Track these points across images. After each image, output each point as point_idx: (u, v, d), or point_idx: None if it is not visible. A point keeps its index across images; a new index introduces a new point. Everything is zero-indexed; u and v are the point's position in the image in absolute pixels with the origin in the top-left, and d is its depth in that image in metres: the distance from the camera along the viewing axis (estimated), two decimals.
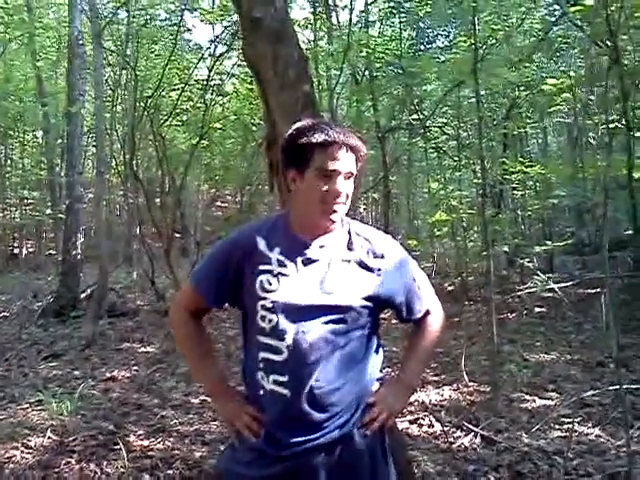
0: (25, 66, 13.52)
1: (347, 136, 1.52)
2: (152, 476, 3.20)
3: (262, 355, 1.52)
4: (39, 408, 4.26)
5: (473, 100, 9.76)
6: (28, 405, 4.36)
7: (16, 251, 16.63)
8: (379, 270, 1.56)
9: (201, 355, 1.69)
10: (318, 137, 1.49)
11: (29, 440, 3.66)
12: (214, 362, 1.73)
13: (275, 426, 1.51)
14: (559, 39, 9.61)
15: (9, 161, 16.47)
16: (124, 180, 8.42)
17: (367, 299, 1.53)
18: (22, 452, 3.51)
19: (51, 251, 15.87)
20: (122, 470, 3.26)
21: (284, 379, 1.49)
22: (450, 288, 9.61)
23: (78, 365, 5.68)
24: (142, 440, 3.72)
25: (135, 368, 5.58)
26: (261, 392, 1.53)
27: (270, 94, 2.54)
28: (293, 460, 1.49)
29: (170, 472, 3.25)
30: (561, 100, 7.40)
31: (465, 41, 7.69)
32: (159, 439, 3.73)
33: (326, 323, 1.49)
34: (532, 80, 9.02)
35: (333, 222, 1.55)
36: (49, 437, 3.71)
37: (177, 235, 9.58)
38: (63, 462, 3.36)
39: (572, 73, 8.37)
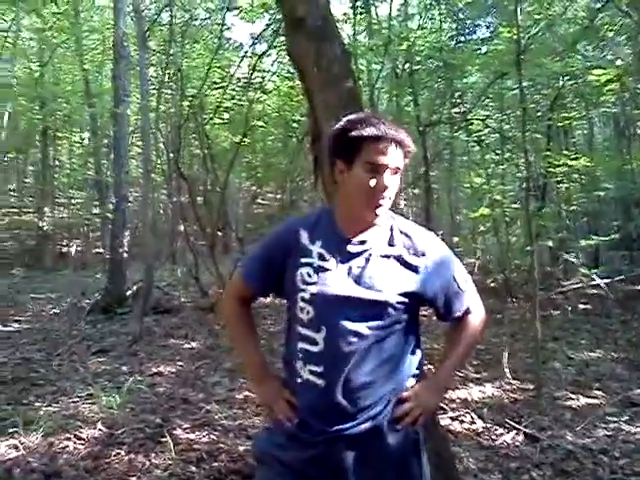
0: (72, 69, 13.91)
1: (397, 131, 1.53)
2: (198, 468, 3.29)
3: (300, 345, 1.58)
4: (89, 401, 4.41)
5: (516, 92, 9.59)
6: (79, 398, 4.51)
7: (64, 250, 17.14)
8: (418, 267, 1.57)
9: (247, 340, 1.77)
10: (369, 131, 1.51)
11: (81, 432, 3.79)
12: (258, 348, 1.79)
13: (309, 413, 1.56)
14: (605, 26, 9.33)
15: (57, 162, 16.97)
16: (168, 179, 8.61)
17: (404, 295, 1.54)
18: (74, 443, 3.65)
19: (98, 249, 16.31)
20: (169, 462, 3.36)
21: (320, 369, 1.54)
22: (493, 285, 9.48)
23: (126, 360, 5.83)
24: (188, 433, 3.81)
25: (180, 363, 5.71)
26: (298, 380, 1.58)
27: (314, 91, 2.56)
28: (324, 446, 1.53)
29: (215, 464, 3.33)
30: (608, 90, 7.20)
31: (508, 31, 7.55)
32: (204, 433, 3.82)
33: (362, 317, 1.52)
34: (577, 70, 8.80)
35: (377, 216, 1.56)
36: (99, 429, 3.84)
37: (219, 233, 9.72)
38: (113, 453, 3.47)
39: (619, 62, 8.14)
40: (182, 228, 9.75)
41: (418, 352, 1.67)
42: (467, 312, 1.67)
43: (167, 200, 11.07)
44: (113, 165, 9.02)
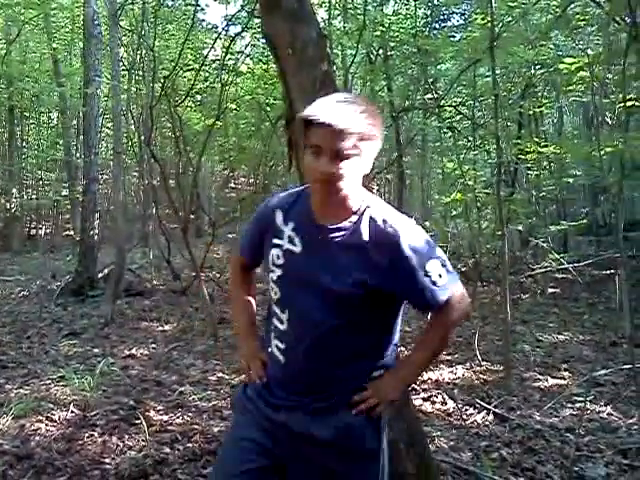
0: (40, 47, 13.56)
1: (340, 113, 1.43)
2: (172, 449, 3.29)
3: (272, 320, 1.63)
4: (61, 384, 4.37)
5: (488, 79, 9.67)
6: (50, 381, 4.46)
7: (33, 232, 16.83)
8: (382, 259, 1.49)
9: (239, 301, 1.87)
10: (310, 113, 1.45)
11: (53, 414, 3.77)
12: (250, 307, 1.87)
13: (272, 381, 1.63)
14: (577, 16, 9.44)
15: (25, 142, 16.59)
16: (140, 161, 8.49)
17: (363, 287, 1.49)
18: (46, 425, 3.62)
19: (67, 232, 16.05)
20: (143, 443, 3.36)
21: (282, 347, 1.59)
22: (464, 269, 9.62)
23: (97, 343, 5.79)
24: (162, 415, 3.82)
25: (153, 346, 5.69)
26: (269, 350, 1.65)
27: (289, 73, 2.54)
28: (285, 411, 1.58)
29: (190, 445, 3.34)
30: (578, 79, 7.30)
31: (482, 19, 7.60)
32: (178, 414, 3.82)
33: (322, 305, 1.51)
34: (549, 58, 8.90)
35: (324, 202, 1.53)
36: (72, 411, 3.82)
37: (192, 216, 9.66)
38: (86, 435, 3.46)
39: (590, 51, 8.24)
40: (154, 211, 9.66)
41: (389, 345, 1.63)
42: (444, 306, 1.56)
43: (138, 182, 10.94)
44: (83, 146, 8.83)
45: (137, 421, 3.64)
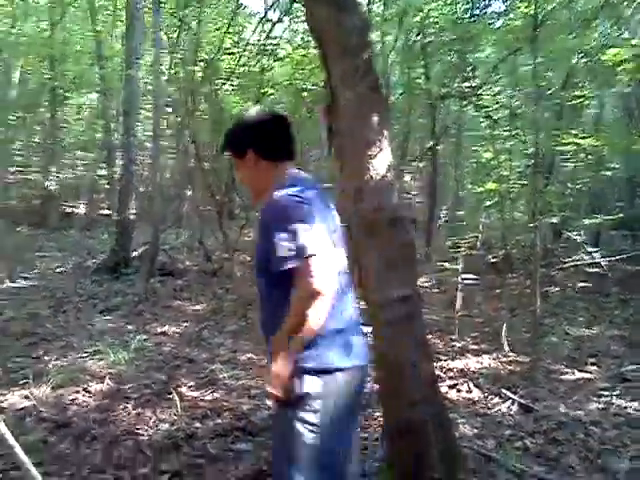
0: (83, 29, 13.75)
1: (224, 138, 2.04)
2: (203, 424, 3.41)
3: None
4: (97, 357, 4.53)
5: (528, 68, 9.50)
6: (86, 354, 4.63)
7: (69, 210, 17.19)
8: (260, 233, 1.86)
9: None
10: None
11: (89, 386, 3.93)
12: None
13: None
14: (624, 3, 9.20)
15: (65, 122, 16.91)
16: (177, 143, 8.64)
17: (264, 252, 1.81)
18: (83, 396, 3.78)
19: (102, 211, 16.36)
20: (175, 417, 3.48)
21: None
22: (494, 260, 9.55)
23: (131, 319, 5.96)
24: (193, 391, 3.94)
25: (185, 324, 5.82)
26: None
27: (331, 61, 2.55)
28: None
29: (220, 421, 3.45)
30: (621, 70, 7.14)
31: (526, 6, 7.47)
32: (208, 391, 3.94)
33: (257, 270, 1.92)
34: (592, 48, 8.72)
35: (251, 196, 2.09)
36: (107, 384, 3.97)
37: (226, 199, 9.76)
38: (121, 407, 3.60)
39: (635, 41, 8.03)
40: (189, 193, 9.79)
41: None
42: (296, 277, 1.71)
43: (175, 164, 11.08)
44: (122, 127, 8.99)
45: (169, 396, 3.77)
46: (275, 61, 7.10)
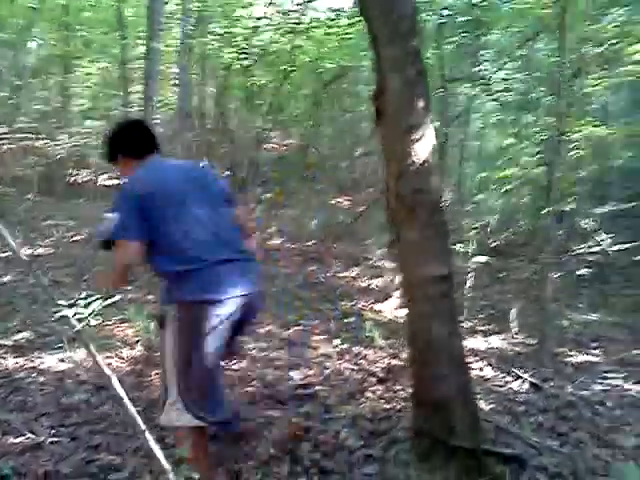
0: None
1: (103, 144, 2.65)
2: (232, 392, 3.60)
3: None
4: (124, 325, 4.72)
5: (542, 54, 9.56)
6: (113, 322, 4.81)
7: (76, 179, 17.21)
8: None
9: None
10: None
11: (121, 352, 4.12)
12: None
13: None
14: None
15: (82, 89, 16.80)
16: (199, 116, 8.77)
17: None
18: (117, 361, 3.97)
19: (106, 182, 16.38)
20: None
21: None
22: (497, 243, 9.73)
23: (151, 289, 6.11)
24: None
25: None
26: None
27: (381, 46, 2.63)
28: None
29: (248, 390, 3.65)
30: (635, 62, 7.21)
31: None
32: (233, 361, 4.13)
33: None
34: (608, 35, 8.74)
35: None
36: (138, 350, 4.16)
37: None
38: (153, 373, 3.79)
39: None
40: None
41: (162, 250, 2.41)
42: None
43: (192, 137, 11.09)
44: (144, 98, 9.03)
45: None
46: (306, 38, 7.14)
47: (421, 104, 2.61)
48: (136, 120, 2.76)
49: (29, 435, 2.97)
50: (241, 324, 2.50)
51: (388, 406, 3.39)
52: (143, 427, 1.53)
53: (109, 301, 1.68)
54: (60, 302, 1.64)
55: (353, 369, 4.09)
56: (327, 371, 4.02)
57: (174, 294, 2.37)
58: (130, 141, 2.54)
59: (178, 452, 2.27)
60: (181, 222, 2.33)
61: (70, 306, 1.64)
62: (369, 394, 3.65)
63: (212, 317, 2.31)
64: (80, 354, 3.98)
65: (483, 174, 8.85)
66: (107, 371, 1.63)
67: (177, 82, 9.56)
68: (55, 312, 1.65)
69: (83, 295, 1.65)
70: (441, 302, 2.68)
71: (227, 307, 2.34)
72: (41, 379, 3.66)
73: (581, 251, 7.21)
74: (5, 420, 3.13)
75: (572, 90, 9.75)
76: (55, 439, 2.96)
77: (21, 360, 3.95)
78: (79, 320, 1.61)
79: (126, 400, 1.54)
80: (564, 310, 6.35)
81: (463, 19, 9.61)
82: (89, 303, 1.63)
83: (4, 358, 3.93)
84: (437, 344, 2.66)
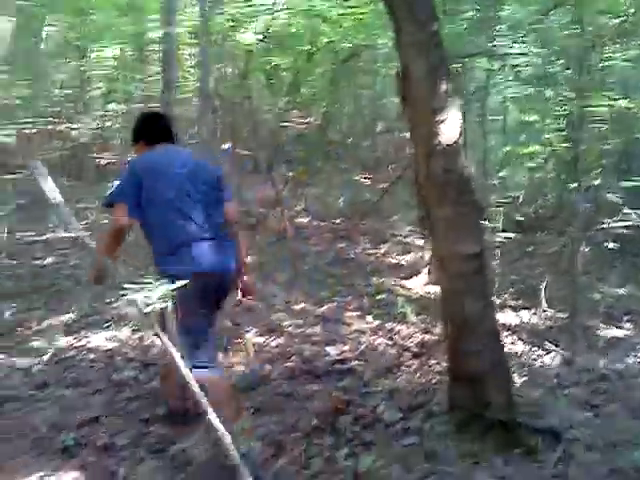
0: None
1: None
2: (273, 367, 3.74)
3: None
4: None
5: (558, 26, 9.37)
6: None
7: (102, 162, 17.38)
8: None
9: None
10: None
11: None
12: None
13: None
14: None
15: (97, 72, 16.93)
16: (222, 99, 8.82)
17: None
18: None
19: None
20: (246, 360, 3.82)
21: None
22: (523, 218, 9.70)
23: None
24: (257, 337, 4.27)
25: None
26: None
27: (404, 31, 2.71)
28: None
29: (288, 365, 3.78)
30: None
31: None
32: (272, 338, 4.27)
33: None
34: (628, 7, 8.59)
35: None
36: None
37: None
38: None
39: None
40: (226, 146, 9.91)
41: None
42: None
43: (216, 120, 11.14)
44: (164, 83, 9.10)
45: (236, 341, 4.10)
46: (323, 22, 7.16)
47: (444, 87, 2.69)
48: (157, 113, 3.52)
49: (85, 410, 3.14)
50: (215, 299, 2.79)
51: (423, 380, 3.50)
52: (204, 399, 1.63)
53: (174, 286, 1.77)
54: (128, 285, 1.73)
55: (387, 344, 4.20)
56: (362, 346, 4.14)
57: (161, 268, 2.71)
58: (149, 130, 2.96)
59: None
60: (166, 196, 2.69)
61: (137, 290, 1.72)
62: (404, 368, 3.77)
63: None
64: (125, 332, 4.14)
65: (507, 148, 8.79)
66: (173, 352, 1.72)
67: (196, 64, 9.61)
68: (122, 295, 1.75)
69: (150, 280, 1.74)
70: (474, 279, 2.77)
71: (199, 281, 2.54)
72: (91, 356, 3.84)
73: (609, 225, 7.19)
74: (62, 395, 3.31)
75: (590, 64, 9.64)
76: (110, 413, 3.12)
77: (70, 339, 4.12)
78: (146, 305, 1.69)
79: (188, 375, 1.64)
80: (595, 283, 6.35)
81: None
82: (155, 287, 1.72)
83: (55, 338, 4.11)
84: (471, 320, 2.75)
